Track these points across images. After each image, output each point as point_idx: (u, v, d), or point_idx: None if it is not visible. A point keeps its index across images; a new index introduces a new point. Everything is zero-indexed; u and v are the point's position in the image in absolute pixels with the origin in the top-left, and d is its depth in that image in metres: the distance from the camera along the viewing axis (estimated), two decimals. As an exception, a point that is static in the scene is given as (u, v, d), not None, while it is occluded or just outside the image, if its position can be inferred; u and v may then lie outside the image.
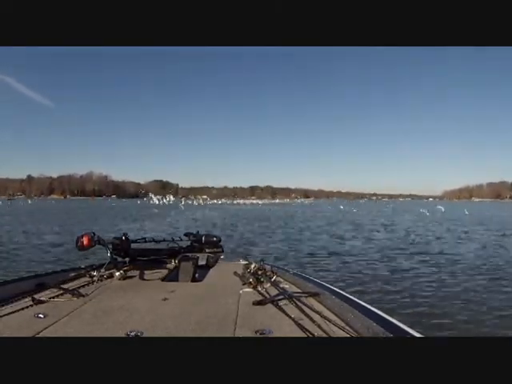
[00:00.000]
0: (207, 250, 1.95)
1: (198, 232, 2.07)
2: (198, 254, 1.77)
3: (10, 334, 0.89)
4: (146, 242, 1.99)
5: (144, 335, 0.88)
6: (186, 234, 2.08)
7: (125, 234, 1.85)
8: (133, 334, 0.89)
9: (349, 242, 9.15)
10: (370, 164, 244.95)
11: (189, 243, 2.00)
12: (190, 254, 1.73)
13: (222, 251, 2.02)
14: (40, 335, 0.89)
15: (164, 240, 2.02)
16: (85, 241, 1.58)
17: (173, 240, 2.00)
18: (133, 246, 1.90)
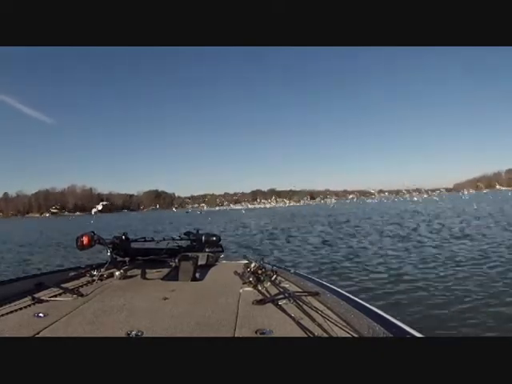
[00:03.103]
0: (207, 250, 1.95)
1: (197, 231, 2.07)
2: (198, 254, 1.77)
3: (10, 334, 0.89)
4: (145, 241, 1.99)
5: (144, 335, 0.88)
6: (186, 234, 2.08)
7: (125, 234, 1.86)
8: (133, 333, 0.89)
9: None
10: (376, 159, 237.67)
11: (189, 242, 2.01)
12: (189, 254, 1.73)
13: (222, 250, 2.02)
14: (40, 335, 0.89)
15: (164, 239, 2.02)
16: (85, 240, 1.58)
17: (173, 239, 2.00)
18: (133, 245, 1.90)
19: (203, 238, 1.99)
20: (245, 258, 1.77)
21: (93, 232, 1.65)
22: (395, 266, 5.75)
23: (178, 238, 2.05)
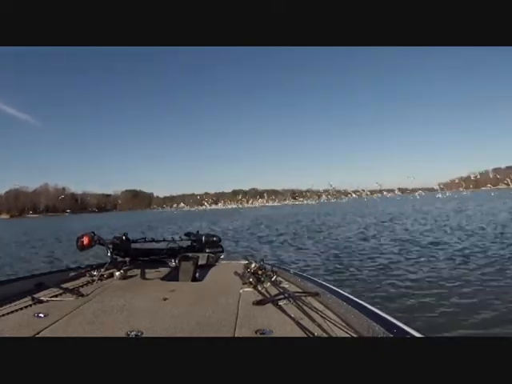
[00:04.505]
0: (207, 250, 1.95)
1: (198, 232, 2.07)
2: (198, 254, 1.77)
3: (10, 334, 0.89)
4: (146, 241, 1.99)
5: (144, 335, 0.88)
6: (186, 234, 2.08)
7: (125, 234, 1.86)
8: (133, 333, 0.89)
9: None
10: (357, 160, 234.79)
11: (189, 243, 2.01)
12: (190, 254, 1.73)
13: (222, 251, 2.02)
14: (40, 335, 0.89)
15: (164, 240, 2.02)
16: (85, 240, 1.58)
17: (173, 240, 2.00)
18: (133, 245, 1.90)
19: (203, 238, 1.99)
20: (245, 258, 1.77)
21: (93, 232, 1.65)
22: (393, 264, 5.75)
23: (178, 238, 2.05)
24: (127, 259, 1.78)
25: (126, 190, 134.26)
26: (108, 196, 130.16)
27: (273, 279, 1.37)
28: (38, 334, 0.90)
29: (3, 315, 1.03)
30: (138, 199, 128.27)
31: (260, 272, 1.44)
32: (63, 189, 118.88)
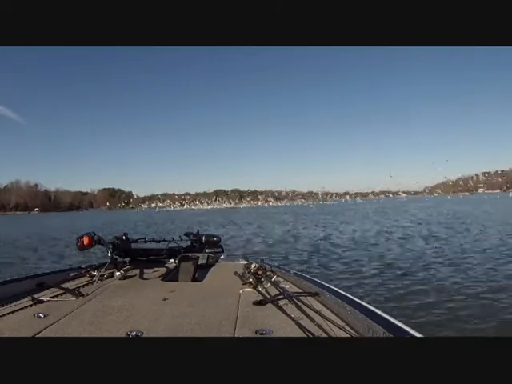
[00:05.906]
0: (207, 250, 1.95)
1: (198, 232, 2.07)
2: (198, 254, 1.77)
3: (10, 334, 0.89)
4: (146, 241, 1.99)
5: (144, 335, 0.89)
6: (186, 234, 2.08)
7: (125, 234, 1.86)
8: (133, 334, 0.89)
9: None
10: (342, 162, 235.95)
11: (189, 243, 2.01)
12: (190, 254, 1.73)
13: (222, 251, 2.02)
14: (40, 335, 0.89)
15: (164, 240, 2.02)
16: (85, 240, 1.58)
17: (173, 240, 2.00)
18: (133, 245, 1.91)
19: (203, 238, 1.99)
20: (245, 258, 1.77)
21: (93, 232, 1.65)
22: (394, 264, 5.75)
23: (178, 238, 2.05)
24: (127, 259, 1.79)
25: (104, 189, 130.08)
26: (84, 194, 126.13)
27: (273, 279, 1.37)
28: (38, 334, 0.90)
29: (3, 315, 1.03)
30: (116, 198, 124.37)
31: (260, 272, 1.44)
32: (36, 185, 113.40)
